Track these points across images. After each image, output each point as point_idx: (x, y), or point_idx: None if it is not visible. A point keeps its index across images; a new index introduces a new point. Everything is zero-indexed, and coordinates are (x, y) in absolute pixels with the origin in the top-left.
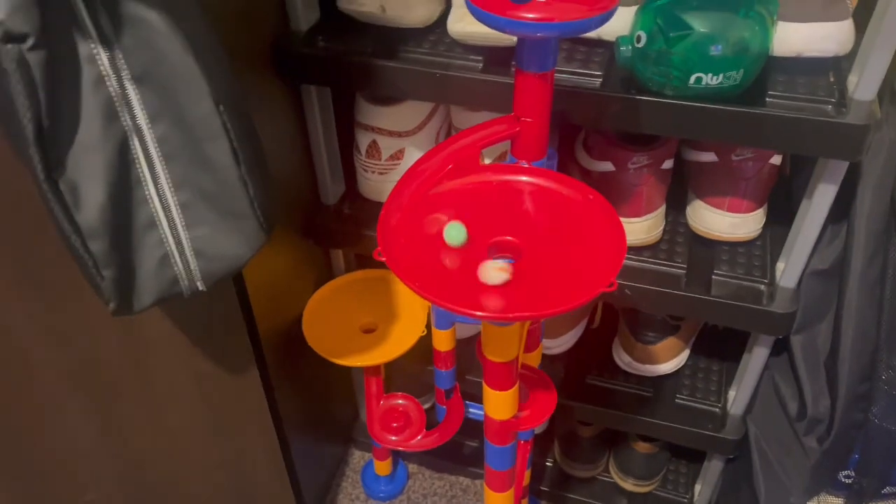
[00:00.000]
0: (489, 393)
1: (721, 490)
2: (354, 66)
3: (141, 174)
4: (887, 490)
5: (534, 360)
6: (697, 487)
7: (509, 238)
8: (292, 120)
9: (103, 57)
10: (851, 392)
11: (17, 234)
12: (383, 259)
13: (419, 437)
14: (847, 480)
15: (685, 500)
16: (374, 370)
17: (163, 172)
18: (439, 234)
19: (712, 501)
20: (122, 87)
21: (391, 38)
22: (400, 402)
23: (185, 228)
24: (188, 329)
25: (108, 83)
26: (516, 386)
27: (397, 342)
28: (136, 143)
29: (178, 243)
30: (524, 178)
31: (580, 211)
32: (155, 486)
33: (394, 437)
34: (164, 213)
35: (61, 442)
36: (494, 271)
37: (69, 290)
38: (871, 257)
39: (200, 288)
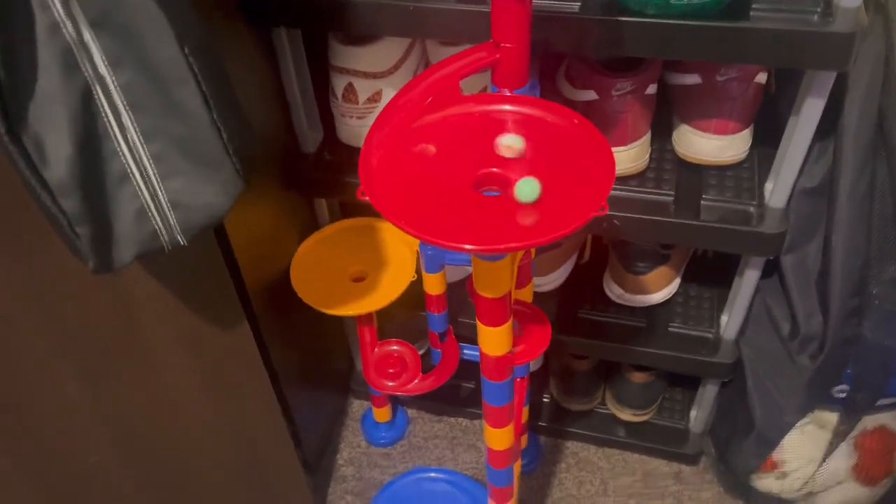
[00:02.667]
0: (483, 330)
1: (717, 414)
2: (325, 3)
3: (108, 125)
4: (882, 402)
5: (526, 295)
6: (693, 413)
7: (495, 170)
8: (264, 67)
9: (56, 2)
10: (843, 308)
11: None
12: (366, 198)
13: (416, 381)
14: (841, 395)
15: (682, 426)
16: (366, 319)
17: (130, 122)
18: (423, 169)
19: (708, 425)
20: (78, 33)
21: None
22: (394, 348)
23: (159, 180)
24: (174, 287)
25: (63, 30)
26: (510, 321)
27: (388, 289)
28: (99, 92)
29: (154, 195)
30: (507, 107)
31: (566, 137)
32: (155, 446)
33: (390, 383)
34: (137, 165)
35: (57, 409)
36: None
37: (48, 252)
38: (860, 172)
39: (181, 241)
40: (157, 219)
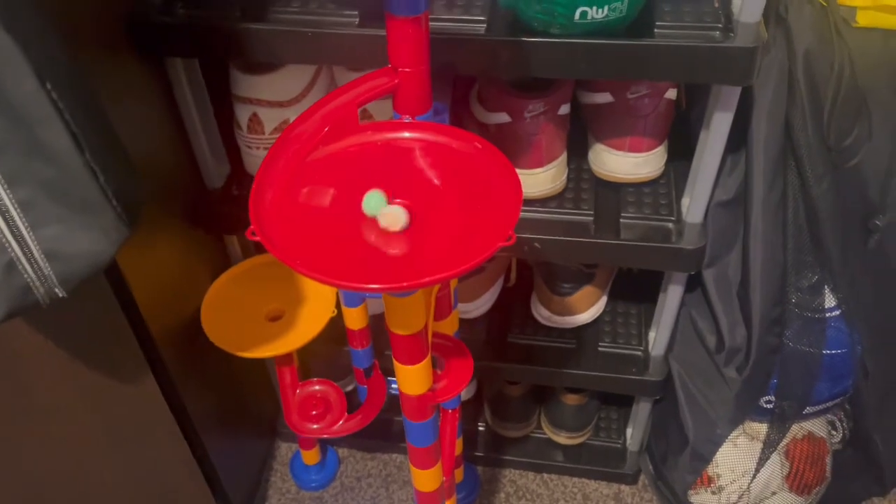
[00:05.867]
0: (400, 368)
1: (652, 430)
2: (220, 32)
3: None
4: (808, 410)
5: (449, 326)
6: (629, 431)
7: (399, 202)
8: (161, 98)
9: None
10: (765, 318)
11: None
12: (257, 238)
13: (341, 422)
14: (768, 406)
15: (618, 445)
16: (285, 359)
17: None
18: (321, 204)
19: (644, 442)
20: None
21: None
22: (317, 388)
23: (29, 229)
24: (64, 339)
25: None
26: (428, 358)
27: (306, 327)
28: None
29: (24, 247)
30: (407, 135)
31: (471, 163)
32: None
33: (315, 426)
34: (2, 215)
35: None
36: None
37: None
38: (772, 182)
39: (60, 294)
40: (30, 271)
